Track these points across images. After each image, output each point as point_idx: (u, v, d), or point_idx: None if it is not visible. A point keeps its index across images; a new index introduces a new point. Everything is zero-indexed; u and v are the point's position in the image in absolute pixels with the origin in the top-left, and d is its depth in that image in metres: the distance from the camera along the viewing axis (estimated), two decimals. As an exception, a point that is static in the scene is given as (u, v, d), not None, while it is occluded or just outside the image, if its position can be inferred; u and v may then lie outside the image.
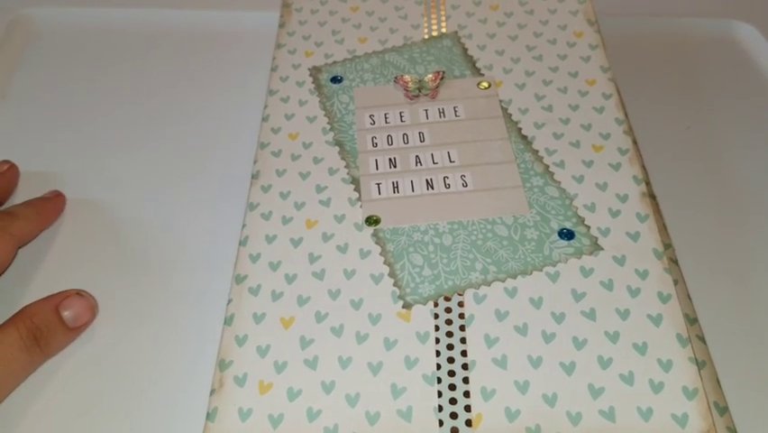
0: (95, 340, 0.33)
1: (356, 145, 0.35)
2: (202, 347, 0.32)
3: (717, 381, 0.29)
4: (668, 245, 0.32)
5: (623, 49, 0.46)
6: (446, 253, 0.31)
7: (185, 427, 0.30)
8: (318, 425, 0.26)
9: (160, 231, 0.37)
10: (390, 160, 0.34)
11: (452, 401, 0.27)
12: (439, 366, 0.27)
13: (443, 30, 0.41)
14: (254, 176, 0.34)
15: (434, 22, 0.41)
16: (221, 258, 0.35)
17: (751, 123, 0.43)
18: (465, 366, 0.27)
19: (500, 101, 0.37)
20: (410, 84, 0.37)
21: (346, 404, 0.27)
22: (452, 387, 0.27)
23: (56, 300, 0.32)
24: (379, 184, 0.33)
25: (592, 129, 0.35)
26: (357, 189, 0.33)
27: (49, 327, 0.31)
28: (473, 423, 0.26)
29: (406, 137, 0.35)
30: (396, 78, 0.38)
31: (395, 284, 0.30)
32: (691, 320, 0.30)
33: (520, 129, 0.36)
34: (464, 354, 0.28)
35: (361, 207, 0.33)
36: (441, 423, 0.26)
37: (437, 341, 0.28)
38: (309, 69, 0.39)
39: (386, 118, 0.36)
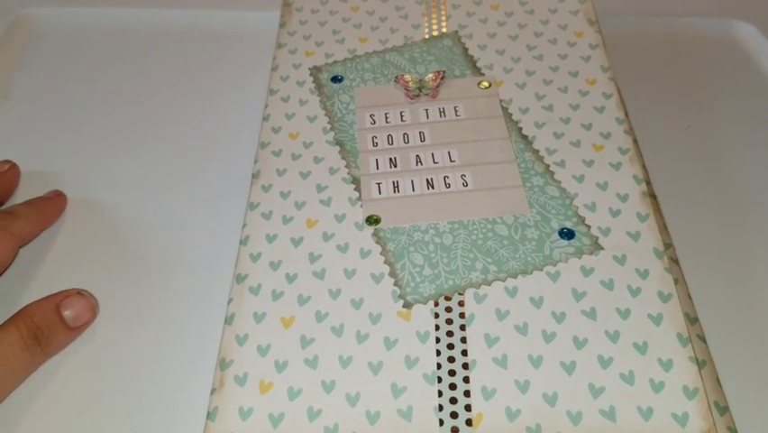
0: (95, 340, 0.33)
1: (356, 145, 0.35)
2: (202, 347, 0.32)
3: (718, 380, 0.29)
4: (668, 245, 0.32)
5: (623, 49, 0.46)
6: (447, 252, 0.31)
7: (185, 426, 0.30)
8: (318, 424, 0.26)
9: (160, 231, 0.37)
10: (391, 159, 0.34)
11: (453, 401, 0.26)
12: (439, 366, 0.27)
13: (444, 29, 0.41)
14: (255, 175, 0.34)
15: (434, 21, 0.42)
16: (221, 258, 0.35)
17: (751, 122, 0.43)
18: (465, 366, 0.27)
19: (501, 101, 0.37)
20: (411, 83, 0.37)
21: (346, 404, 0.27)
22: (453, 386, 0.27)
23: (57, 300, 0.32)
24: (379, 184, 0.33)
25: (593, 129, 0.35)
26: (357, 189, 0.33)
27: (49, 327, 0.31)
28: (474, 423, 0.26)
29: (406, 137, 0.35)
30: (396, 77, 0.38)
31: (395, 284, 0.30)
32: (692, 320, 0.30)
33: (520, 128, 0.36)
34: (465, 353, 0.28)
35: (361, 206, 0.33)
36: (441, 422, 0.26)
37: (437, 340, 0.28)
38: (310, 69, 0.39)
39: (386, 118, 0.36)
